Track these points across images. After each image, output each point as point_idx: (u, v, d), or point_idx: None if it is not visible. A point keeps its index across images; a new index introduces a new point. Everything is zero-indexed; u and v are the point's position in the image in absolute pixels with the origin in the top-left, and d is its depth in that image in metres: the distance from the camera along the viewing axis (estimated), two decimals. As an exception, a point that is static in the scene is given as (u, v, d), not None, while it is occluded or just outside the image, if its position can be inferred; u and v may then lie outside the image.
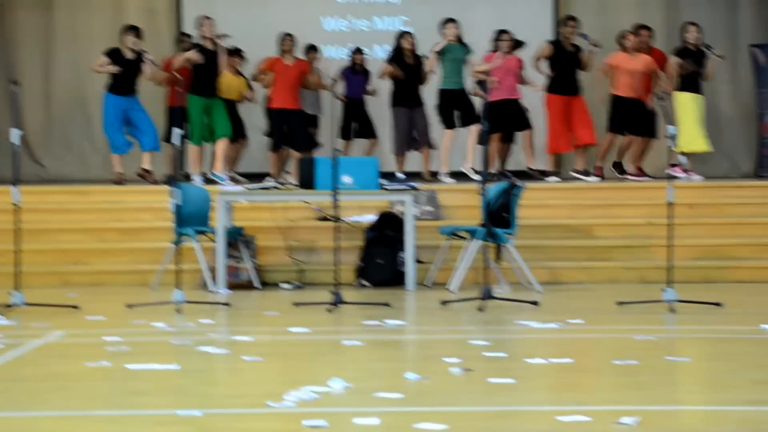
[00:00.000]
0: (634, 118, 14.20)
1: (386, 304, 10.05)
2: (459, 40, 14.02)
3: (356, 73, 14.79)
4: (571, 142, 14.27)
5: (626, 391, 6.64)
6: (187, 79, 13.72)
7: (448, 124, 14.09)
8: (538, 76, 14.30)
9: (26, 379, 7.30)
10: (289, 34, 14.30)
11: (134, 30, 13.97)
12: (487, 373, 7.09)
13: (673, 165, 13.77)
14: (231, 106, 14.30)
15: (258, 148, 15.04)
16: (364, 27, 16.36)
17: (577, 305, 10.31)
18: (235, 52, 14.49)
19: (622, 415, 5.82)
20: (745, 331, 8.83)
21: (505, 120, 13.99)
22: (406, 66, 14.06)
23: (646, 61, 14.17)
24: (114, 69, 13.69)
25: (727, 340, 8.63)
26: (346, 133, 14.70)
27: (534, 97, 14.42)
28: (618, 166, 14.54)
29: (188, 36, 14.72)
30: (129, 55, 13.84)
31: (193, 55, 13.73)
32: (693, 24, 14.24)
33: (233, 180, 14.14)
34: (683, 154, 13.89)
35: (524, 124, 14.27)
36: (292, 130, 14.10)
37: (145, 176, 13.99)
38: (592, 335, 8.79)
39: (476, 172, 10.24)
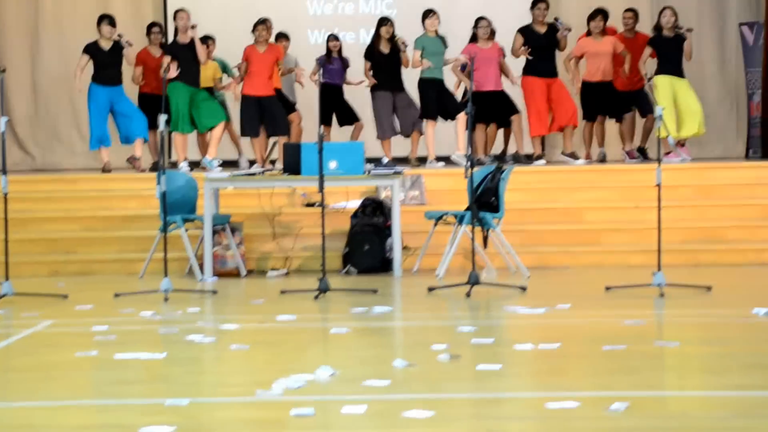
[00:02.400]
0: (603, 101, 14.14)
1: (373, 291, 10.04)
2: (436, 33, 13.94)
3: (332, 59, 14.69)
4: (552, 125, 14.22)
5: (615, 377, 6.64)
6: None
7: (430, 113, 13.97)
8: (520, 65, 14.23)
9: (15, 368, 7.30)
10: (261, 22, 14.00)
11: (108, 19, 13.87)
12: (474, 359, 7.09)
13: (668, 153, 13.73)
14: (210, 93, 14.20)
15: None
16: (350, 11, 16.31)
17: (565, 290, 10.29)
18: (206, 40, 14.33)
19: (611, 400, 5.82)
20: (736, 315, 8.81)
21: (491, 111, 13.91)
22: (381, 55, 13.94)
23: (611, 42, 14.12)
24: (80, 73, 13.63)
25: (718, 324, 8.61)
26: (326, 119, 14.53)
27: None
28: (642, 151, 14.46)
29: (159, 26, 14.64)
30: (106, 45, 13.77)
31: (171, 69, 13.52)
32: (668, 8, 14.12)
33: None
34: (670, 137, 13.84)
35: (512, 110, 14.20)
36: (268, 115, 13.97)
37: (133, 163, 13.93)
38: (580, 320, 8.77)
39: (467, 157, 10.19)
